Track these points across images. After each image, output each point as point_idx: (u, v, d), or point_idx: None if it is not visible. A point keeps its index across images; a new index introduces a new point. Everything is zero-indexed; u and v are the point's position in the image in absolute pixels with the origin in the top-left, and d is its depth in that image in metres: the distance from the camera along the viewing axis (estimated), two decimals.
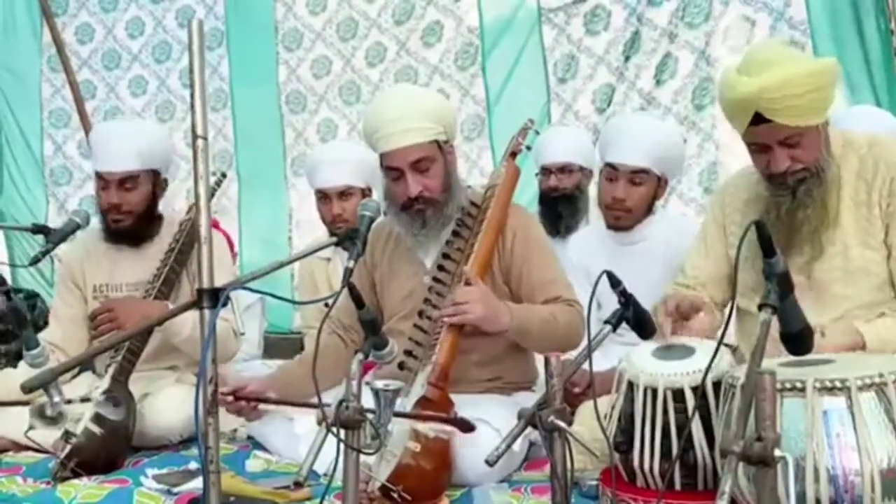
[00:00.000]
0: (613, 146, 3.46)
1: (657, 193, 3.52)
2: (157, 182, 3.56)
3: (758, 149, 2.60)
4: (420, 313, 2.89)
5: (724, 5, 5.04)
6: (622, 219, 3.49)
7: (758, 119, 2.48)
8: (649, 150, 3.41)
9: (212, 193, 3.45)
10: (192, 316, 3.04)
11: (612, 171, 3.45)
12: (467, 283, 2.81)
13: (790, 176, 2.57)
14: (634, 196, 3.45)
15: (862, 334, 2.52)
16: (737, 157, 4.30)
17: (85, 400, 3.04)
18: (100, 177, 3.49)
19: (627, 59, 5.28)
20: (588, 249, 3.62)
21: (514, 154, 3.19)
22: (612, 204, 3.48)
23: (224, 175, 3.76)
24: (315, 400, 2.07)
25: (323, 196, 3.99)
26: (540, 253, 3.01)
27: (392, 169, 2.96)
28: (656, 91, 5.20)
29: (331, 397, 2.18)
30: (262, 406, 3.03)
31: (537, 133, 3.40)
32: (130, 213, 3.50)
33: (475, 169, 5.55)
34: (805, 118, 2.48)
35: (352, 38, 6.01)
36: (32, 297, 5.28)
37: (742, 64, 2.56)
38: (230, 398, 2.95)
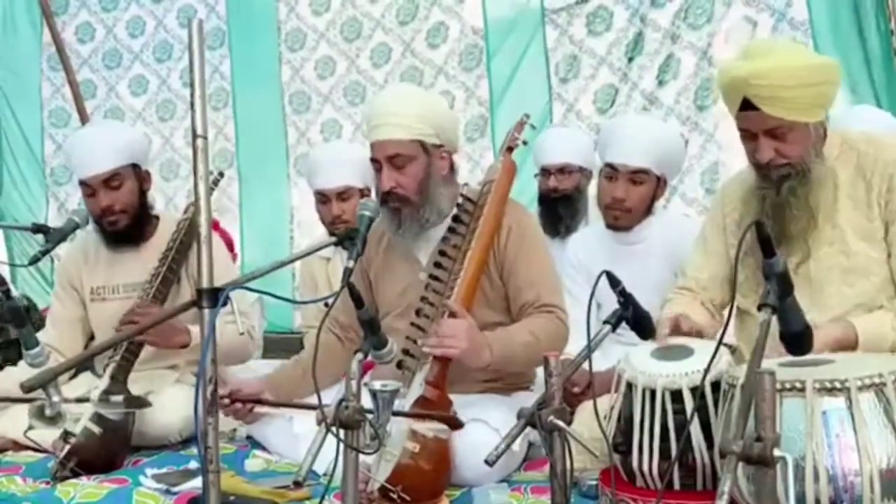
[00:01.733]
0: (613, 146, 3.45)
1: (656, 193, 3.51)
2: (140, 176, 3.55)
3: (746, 136, 2.59)
4: (418, 311, 2.87)
5: (727, 6, 5.04)
6: (621, 219, 3.48)
7: (746, 105, 2.48)
8: (649, 151, 3.40)
9: (209, 193, 3.46)
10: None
11: (611, 171, 3.44)
12: (451, 315, 2.76)
13: (773, 169, 2.56)
14: (634, 196, 3.44)
15: (855, 327, 2.50)
16: (739, 158, 4.28)
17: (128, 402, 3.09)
18: (85, 184, 3.46)
19: (630, 59, 5.29)
20: (588, 249, 3.60)
21: (510, 149, 3.18)
22: (611, 204, 3.46)
23: (222, 174, 3.75)
24: (312, 401, 2.07)
25: (322, 197, 3.98)
26: (532, 251, 2.99)
27: (373, 161, 2.99)
28: (658, 91, 5.21)
29: (329, 396, 2.18)
30: (258, 408, 3.03)
31: (533, 127, 3.38)
32: (125, 213, 3.49)
33: (477, 168, 5.55)
34: (793, 112, 2.47)
35: (356, 39, 6.01)
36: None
37: (742, 50, 2.58)
38: (227, 401, 2.95)
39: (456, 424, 2.58)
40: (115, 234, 3.52)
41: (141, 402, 3.13)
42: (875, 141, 2.67)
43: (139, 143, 3.63)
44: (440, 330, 2.74)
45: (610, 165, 3.45)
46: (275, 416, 3.07)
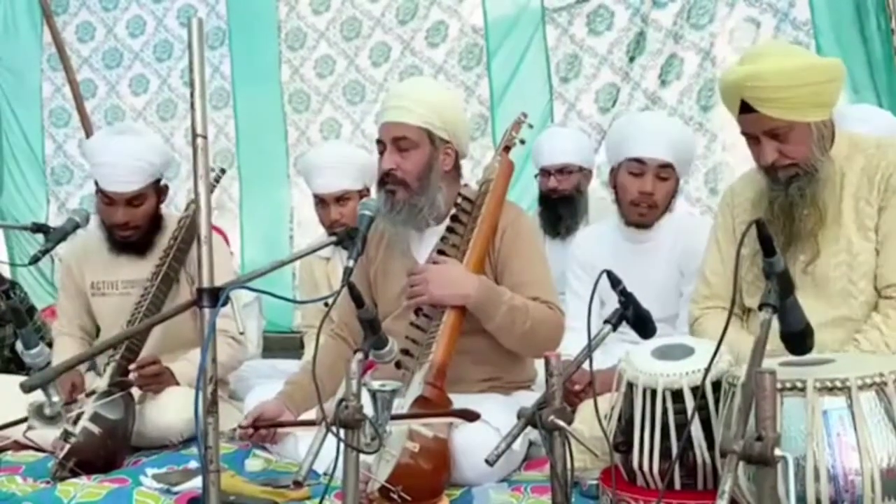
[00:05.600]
0: (638, 141, 3.31)
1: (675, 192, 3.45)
2: (159, 190, 3.57)
3: (749, 139, 2.60)
4: (417, 311, 2.87)
5: (729, 6, 5.04)
6: (647, 215, 3.37)
7: (745, 108, 2.50)
8: (673, 146, 3.34)
9: (211, 189, 3.46)
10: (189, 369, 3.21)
11: (637, 166, 3.29)
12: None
13: (780, 171, 2.56)
14: (661, 191, 3.35)
15: None
16: (743, 158, 4.26)
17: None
18: (104, 194, 3.45)
19: (632, 59, 5.28)
20: (596, 248, 3.51)
21: (507, 148, 3.18)
22: (638, 199, 3.34)
23: (224, 171, 3.74)
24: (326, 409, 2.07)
25: (320, 201, 3.97)
26: (526, 251, 2.98)
27: (378, 142, 2.99)
28: (661, 91, 5.21)
29: None
30: (280, 429, 3.01)
31: (531, 126, 3.35)
32: (138, 228, 3.51)
33: (478, 168, 5.54)
34: (790, 112, 2.47)
35: (355, 38, 6.02)
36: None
37: (743, 54, 2.60)
38: (251, 431, 2.96)
39: (472, 417, 2.57)
40: (122, 244, 3.53)
41: (125, 384, 3.15)
42: (884, 142, 2.67)
43: (164, 158, 3.59)
44: (408, 282, 2.82)
45: (637, 160, 3.32)
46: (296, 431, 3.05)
